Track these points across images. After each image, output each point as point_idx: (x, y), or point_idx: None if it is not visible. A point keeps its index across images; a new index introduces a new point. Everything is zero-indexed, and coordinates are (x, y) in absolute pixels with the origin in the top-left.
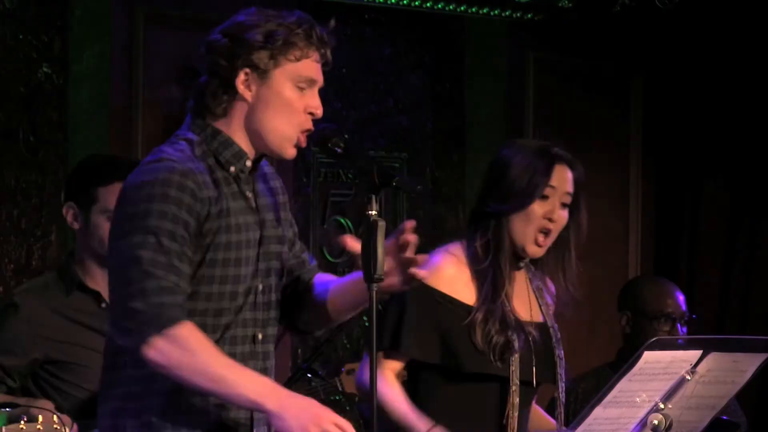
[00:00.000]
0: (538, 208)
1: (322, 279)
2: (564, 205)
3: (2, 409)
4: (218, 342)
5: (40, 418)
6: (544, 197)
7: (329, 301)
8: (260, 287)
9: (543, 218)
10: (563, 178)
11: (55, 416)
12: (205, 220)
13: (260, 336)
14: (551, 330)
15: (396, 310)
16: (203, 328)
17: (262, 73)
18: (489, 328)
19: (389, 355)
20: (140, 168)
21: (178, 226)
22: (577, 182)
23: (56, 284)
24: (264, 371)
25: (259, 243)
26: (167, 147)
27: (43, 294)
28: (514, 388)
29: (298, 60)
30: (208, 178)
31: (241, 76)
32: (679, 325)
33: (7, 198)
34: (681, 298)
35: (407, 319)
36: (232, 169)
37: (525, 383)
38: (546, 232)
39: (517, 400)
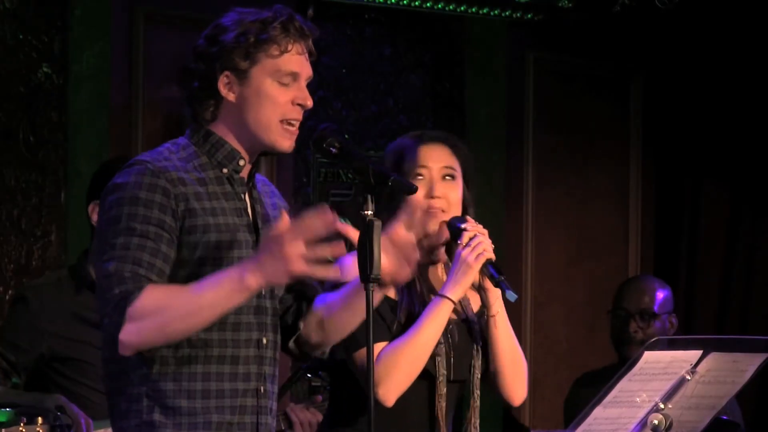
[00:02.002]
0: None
1: (324, 296)
2: (449, 177)
3: (7, 409)
4: (220, 342)
5: (40, 420)
6: (420, 177)
7: (335, 313)
8: (263, 291)
9: (425, 199)
10: (434, 156)
11: (59, 412)
12: (186, 216)
13: (264, 341)
14: (473, 325)
15: None
16: None
17: (241, 74)
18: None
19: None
20: (117, 173)
21: (149, 226)
22: (459, 157)
23: (68, 281)
24: (272, 378)
25: (256, 246)
26: (147, 151)
27: (54, 290)
28: (441, 378)
29: (277, 55)
30: (192, 176)
31: (222, 79)
32: (656, 322)
33: (7, 198)
34: (659, 294)
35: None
36: (225, 170)
37: (448, 380)
38: (434, 214)
39: (444, 390)
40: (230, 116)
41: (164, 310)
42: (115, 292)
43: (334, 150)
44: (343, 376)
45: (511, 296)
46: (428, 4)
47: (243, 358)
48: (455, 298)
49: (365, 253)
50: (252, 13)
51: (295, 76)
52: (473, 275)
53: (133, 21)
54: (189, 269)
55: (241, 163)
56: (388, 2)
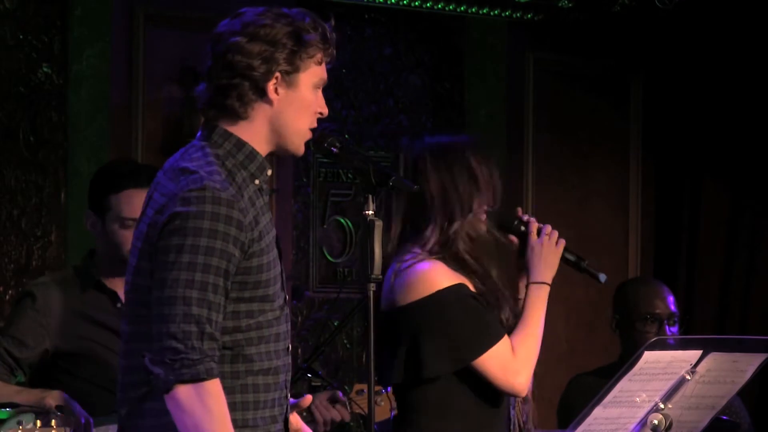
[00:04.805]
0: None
1: None
2: None
3: (7, 409)
4: (267, 355)
5: (38, 423)
6: None
7: None
8: (287, 297)
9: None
10: None
11: (58, 413)
12: (250, 245)
13: (290, 347)
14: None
15: (462, 315)
16: (249, 342)
17: (291, 77)
18: (504, 315)
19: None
20: (184, 195)
21: (223, 261)
22: None
23: (73, 280)
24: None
25: (280, 257)
26: (201, 167)
27: (60, 288)
28: None
29: (319, 63)
30: (246, 197)
31: (273, 80)
32: (667, 325)
33: (7, 198)
34: (670, 298)
35: (479, 313)
36: (257, 181)
37: None
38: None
39: None
40: (263, 117)
41: (210, 418)
42: (195, 344)
43: (334, 150)
44: (448, 391)
45: (603, 277)
46: (428, 4)
47: (281, 367)
48: (550, 282)
49: (365, 253)
50: (286, 15)
51: (324, 83)
52: (558, 259)
53: (133, 21)
54: (247, 292)
55: (269, 173)
56: (388, 2)
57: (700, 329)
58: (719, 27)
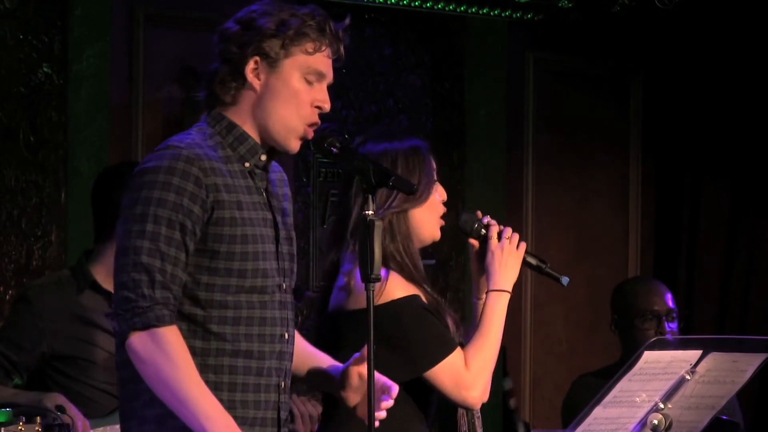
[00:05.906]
0: (436, 194)
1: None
2: None
3: (6, 409)
4: (247, 337)
5: (38, 419)
6: (435, 182)
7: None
8: (284, 286)
9: (441, 204)
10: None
11: (59, 412)
12: (215, 207)
13: (286, 336)
14: None
15: (417, 327)
16: (222, 320)
17: (272, 62)
18: (447, 321)
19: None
20: (148, 155)
21: (178, 215)
22: None
23: (69, 282)
24: (290, 373)
25: (276, 240)
26: (178, 135)
27: (56, 290)
28: None
29: (310, 52)
30: (222, 165)
31: (251, 64)
32: (666, 322)
33: (7, 198)
34: (668, 295)
35: (432, 325)
36: (247, 164)
37: None
38: (444, 217)
39: None
40: (250, 103)
41: (168, 362)
42: (146, 292)
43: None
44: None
45: (565, 280)
46: (428, 4)
47: (268, 353)
48: (511, 289)
49: (365, 253)
50: (288, 6)
51: (320, 76)
52: (519, 264)
53: (133, 21)
54: (220, 263)
55: (263, 158)
56: (388, 2)
57: (700, 329)
58: (719, 27)
